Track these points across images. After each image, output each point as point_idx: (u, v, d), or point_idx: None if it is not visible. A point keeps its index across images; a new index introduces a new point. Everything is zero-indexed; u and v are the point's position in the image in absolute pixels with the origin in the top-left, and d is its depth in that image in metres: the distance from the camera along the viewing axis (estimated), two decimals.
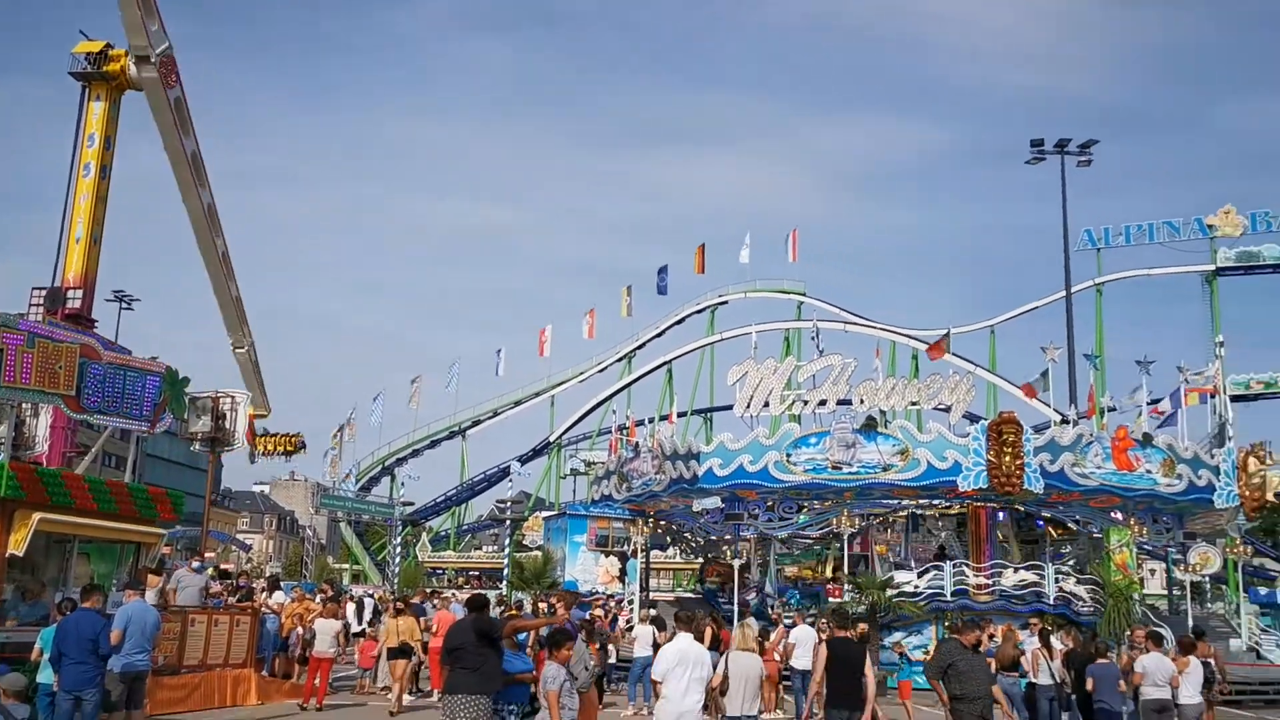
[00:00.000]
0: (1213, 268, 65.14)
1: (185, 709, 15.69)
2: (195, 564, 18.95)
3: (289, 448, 17.52)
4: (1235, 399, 57.01)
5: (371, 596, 33.93)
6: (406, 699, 18.19)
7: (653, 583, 48.51)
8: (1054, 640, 17.28)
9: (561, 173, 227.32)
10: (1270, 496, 29.73)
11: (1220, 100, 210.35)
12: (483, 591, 15.37)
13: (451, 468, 74.08)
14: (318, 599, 20.41)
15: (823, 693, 10.93)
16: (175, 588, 17.96)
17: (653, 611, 22.18)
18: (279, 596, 21.97)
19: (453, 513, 72.65)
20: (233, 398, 21.24)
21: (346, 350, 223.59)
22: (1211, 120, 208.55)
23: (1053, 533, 31.45)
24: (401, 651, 17.37)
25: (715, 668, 10.59)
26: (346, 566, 64.39)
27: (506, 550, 47.15)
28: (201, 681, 16.29)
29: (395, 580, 45.84)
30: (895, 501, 27.48)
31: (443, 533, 71.85)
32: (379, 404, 60.26)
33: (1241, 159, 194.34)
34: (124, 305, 63.12)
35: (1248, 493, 27.27)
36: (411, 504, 59.77)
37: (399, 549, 52.48)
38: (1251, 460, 27.65)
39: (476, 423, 72.01)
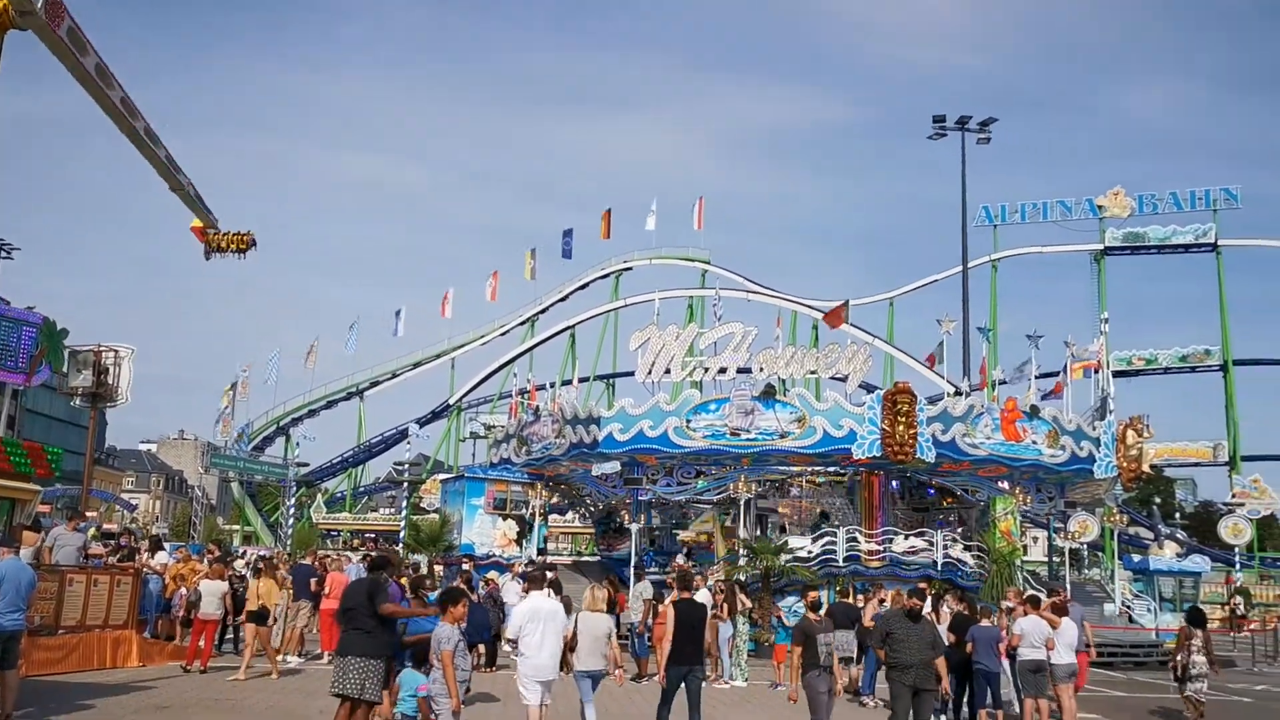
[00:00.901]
0: (1101, 247, 67.29)
1: (63, 670, 15.15)
2: (78, 524, 18.26)
3: (241, 245, 16.70)
4: (1117, 374, 59.17)
5: (265, 558, 33.29)
6: (294, 660, 17.89)
7: (551, 546, 48.55)
8: (944, 605, 17.75)
9: (468, 133, 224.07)
10: (1146, 468, 30.97)
11: (1113, 85, 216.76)
12: (385, 553, 15.04)
13: (349, 429, 72.82)
14: (205, 560, 19.84)
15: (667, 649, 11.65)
16: (52, 546, 17.30)
17: (544, 574, 22.11)
18: (162, 557, 21.33)
19: (349, 474, 71.53)
20: (115, 352, 20.36)
21: (242, 306, 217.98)
22: (1104, 104, 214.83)
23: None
24: (258, 615, 16.22)
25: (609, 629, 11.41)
26: (237, 528, 63.08)
27: (404, 513, 46.62)
28: (80, 642, 15.75)
29: (289, 542, 44.97)
30: (792, 468, 27.86)
31: (339, 494, 70.73)
32: (274, 363, 58.85)
33: (1132, 142, 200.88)
34: (3, 254, 60.47)
35: (1125, 464, 28.33)
36: (306, 465, 58.57)
37: (293, 510, 51.48)
38: (1130, 433, 28.72)
39: (375, 384, 70.91)
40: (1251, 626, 31.44)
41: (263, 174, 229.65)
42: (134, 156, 13.26)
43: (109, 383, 20.53)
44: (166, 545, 27.26)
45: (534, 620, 10.71)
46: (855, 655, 17.44)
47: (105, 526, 43.50)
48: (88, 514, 30.32)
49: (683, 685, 11.54)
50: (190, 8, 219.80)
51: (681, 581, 13.01)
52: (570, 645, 11.43)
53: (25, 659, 14.69)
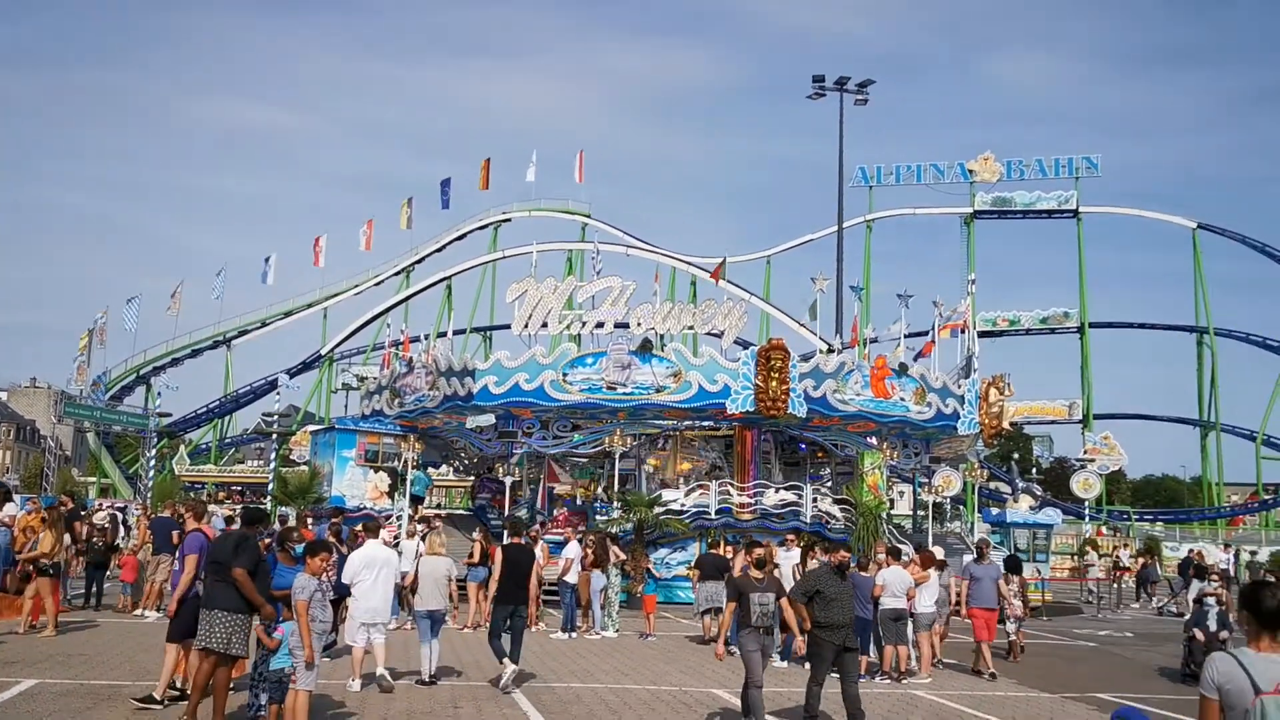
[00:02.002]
0: (971, 210, 69.28)
1: None
2: None
3: None
4: (983, 335, 61.27)
5: (122, 510, 32.07)
6: (153, 615, 17.27)
7: (426, 499, 48.00)
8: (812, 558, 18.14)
9: (343, 79, 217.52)
10: (1006, 425, 32.16)
11: (987, 52, 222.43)
12: (260, 505, 14.65)
13: (215, 379, 70.53)
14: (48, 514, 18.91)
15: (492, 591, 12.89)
16: None
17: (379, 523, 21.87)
18: (11, 509, 20.27)
19: (215, 425, 69.31)
20: None
21: (102, 250, 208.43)
22: (978, 70, 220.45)
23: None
24: (42, 568, 14.99)
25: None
26: (94, 480, 60.59)
27: (272, 465, 45.43)
28: None
29: (149, 494, 43.42)
30: (667, 422, 28.04)
31: (203, 446, 68.55)
32: (135, 308, 56.39)
33: (1003, 109, 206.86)
34: None
35: (987, 421, 29.37)
36: (169, 415, 56.40)
37: (153, 462, 49.68)
38: (992, 391, 29.74)
39: (243, 333, 68.67)
40: (1099, 576, 33.05)
41: (127, 114, 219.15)
42: None
43: None
44: (16, 497, 25.97)
45: (369, 566, 11.82)
46: (724, 605, 17.69)
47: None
48: None
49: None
50: None
51: (512, 529, 13.90)
52: (412, 587, 12.70)
53: None
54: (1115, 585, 32.02)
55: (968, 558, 18.15)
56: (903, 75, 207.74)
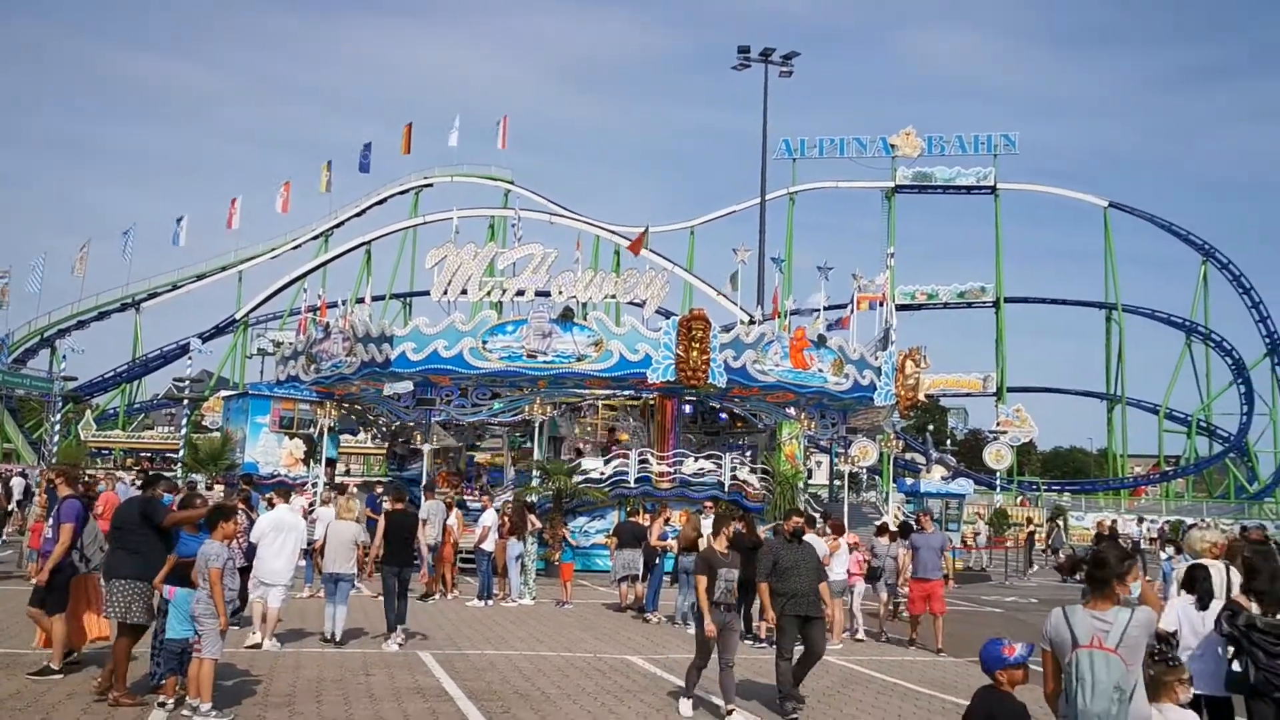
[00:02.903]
0: (892, 185, 70.17)
1: None
2: None
3: None
4: (902, 308, 62.23)
5: (24, 476, 31.12)
6: None
7: (343, 467, 47.41)
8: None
9: (263, 35, 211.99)
10: (922, 397, 32.71)
11: (911, 28, 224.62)
12: (160, 471, 14.35)
13: (124, 342, 68.74)
14: None
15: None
16: None
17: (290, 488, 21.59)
18: None
19: (123, 390, 67.58)
20: None
21: (4, 208, 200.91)
22: (902, 46, 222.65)
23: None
24: None
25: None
26: None
27: (183, 431, 44.48)
28: None
29: (53, 460, 42.22)
30: (588, 391, 27.97)
31: (111, 411, 66.81)
32: (38, 269, 54.60)
33: (925, 85, 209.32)
34: None
35: (903, 392, 29.81)
36: (74, 379, 54.89)
37: (58, 427, 48.28)
38: (908, 363, 30.19)
39: (153, 295, 66.94)
40: (1008, 544, 33.94)
41: (33, 66, 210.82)
42: None
43: None
44: None
45: (276, 530, 12.67)
46: (640, 573, 17.86)
47: None
48: None
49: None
50: None
51: (395, 495, 14.70)
52: (320, 550, 13.37)
53: None
54: (1024, 552, 32.91)
55: (876, 533, 18.49)
56: (828, 48, 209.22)
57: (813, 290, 32.47)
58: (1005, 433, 50.45)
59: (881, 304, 32.49)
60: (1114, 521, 34.48)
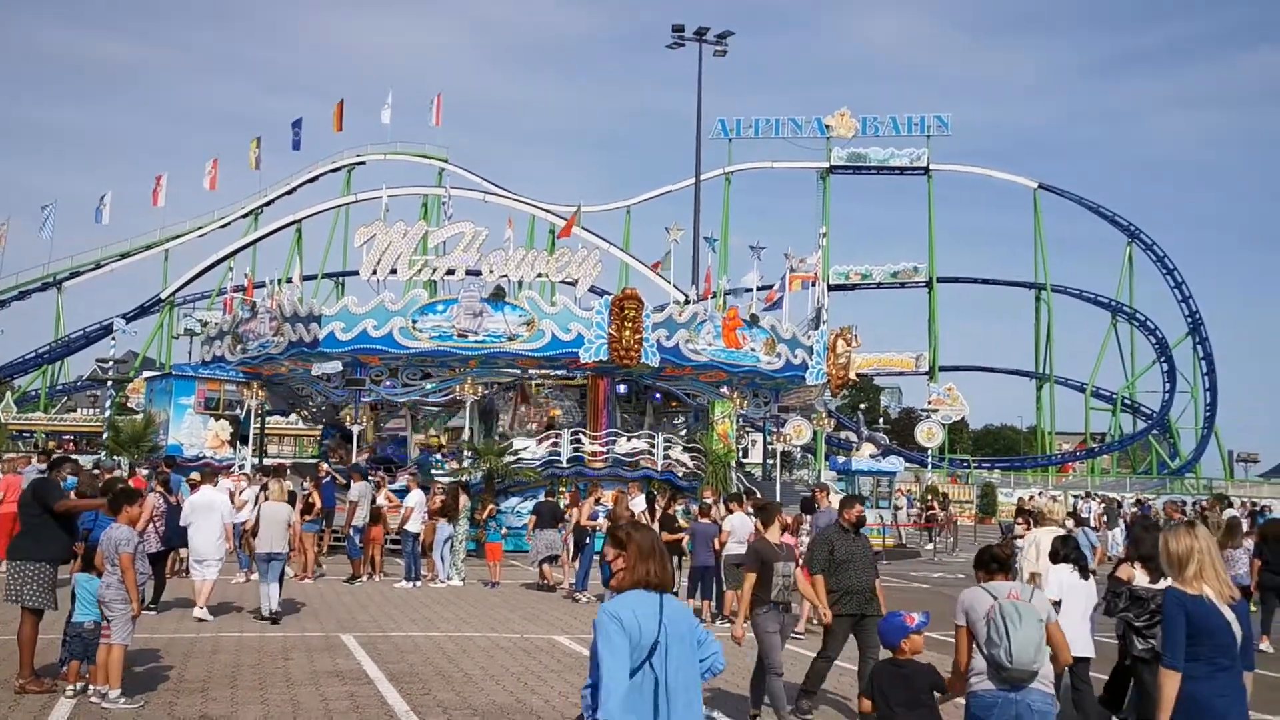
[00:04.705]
0: (827, 165, 70.55)
1: None
2: None
3: None
4: (836, 288, 62.86)
5: None
6: None
7: (273, 449, 46.64)
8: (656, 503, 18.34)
9: (190, 6, 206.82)
10: (853, 376, 33.00)
11: (846, 8, 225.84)
12: (65, 453, 14.06)
13: (45, 322, 67.02)
14: None
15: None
16: None
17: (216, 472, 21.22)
18: None
19: (44, 371, 65.87)
20: None
21: None
22: (836, 26, 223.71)
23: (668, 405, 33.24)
24: None
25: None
26: None
27: (107, 413, 43.39)
28: None
29: None
30: (519, 371, 27.79)
31: (32, 393, 65.08)
32: None
33: (859, 66, 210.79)
34: None
35: (835, 371, 30.07)
36: None
37: None
38: (840, 342, 30.44)
39: (75, 274, 65.26)
40: (939, 519, 34.44)
41: None
42: None
43: None
44: None
45: (205, 510, 13.50)
46: (560, 553, 18.02)
47: None
48: None
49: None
50: None
51: (276, 475, 15.83)
52: (253, 531, 14.02)
53: None
54: (948, 530, 33.43)
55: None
56: (764, 28, 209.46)
57: (746, 270, 32.56)
58: (937, 411, 51.10)
59: (814, 284, 32.71)
60: (1036, 496, 35.05)
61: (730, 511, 15.07)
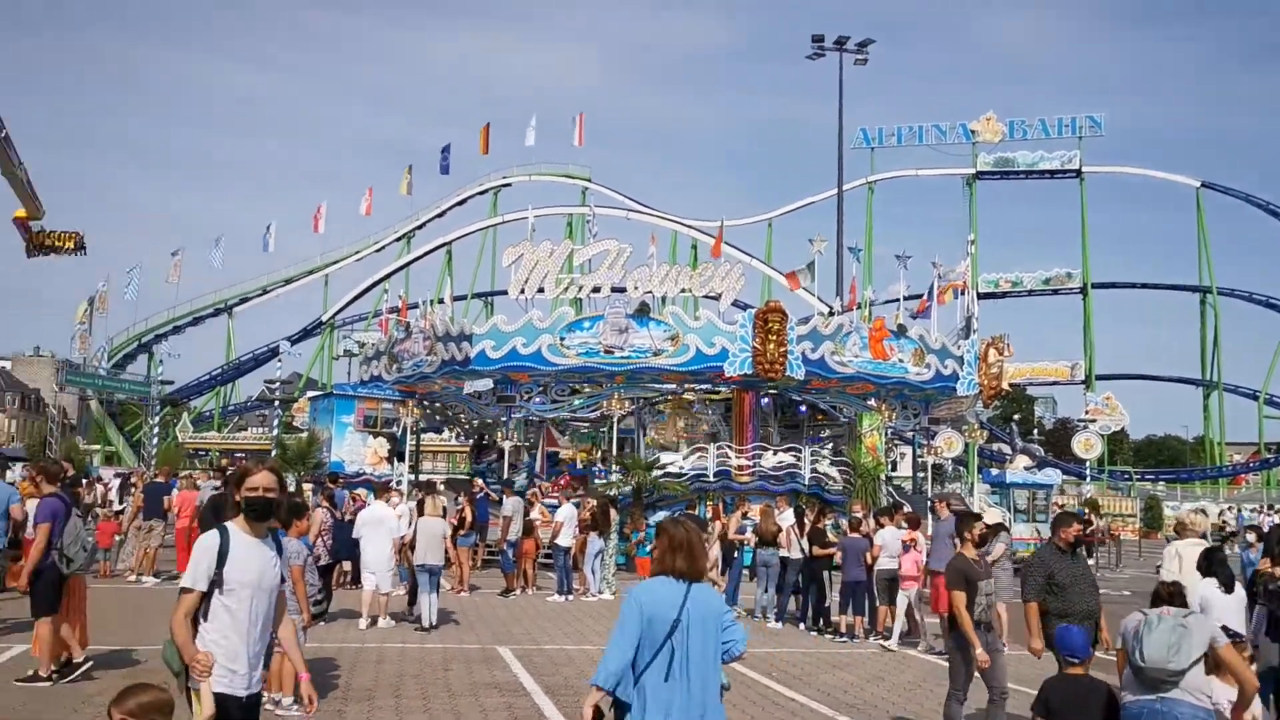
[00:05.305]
0: (973, 171, 68.86)
1: None
2: None
3: (67, 244, 15.68)
4: (985, 296, 61.20)
5: (120, 477, 32.18)
6: (150, 581, 17.35)
7: (427, 465, 48.15)
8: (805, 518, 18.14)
9: (343, 45, 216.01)
10: (1006, 386, 32.04)
11: (989, 11, 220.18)
12: (247, 467, 14.71)
13: (217, 346, 70.60)
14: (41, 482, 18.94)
15: None
16: None
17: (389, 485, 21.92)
18: (11, 477, 20.32)
19: (217, 392, 69.52)
20: None
21: (99, 219, 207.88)
22: (980, 29, 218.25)
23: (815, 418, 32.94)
24: None
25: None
26: (98, 448, 60.79)
27: (275, 432, 45.55)
28: None
29: (152, 462, 43.59)
30: (665, 386, 27.98)
31: (206, 413, 68.74)
32: (135, 277, 56.39)
33: (1005, 68, 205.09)
34: None
35: (986, 382, 29.26)
36: (171, 383, 56.58)
37: (156, 430, 49.85)
38: (991, 351, 29.61)
39: (244, 300, 68.73)
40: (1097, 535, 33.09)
41: (125, 80, 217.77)
42: None
43: None
44: (16, 465, 26.11)
45: (368, 524, 14.11)
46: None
47: None
48: None
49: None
50: None
51: (431, 490, 16.37)
52: (411, 545, 14.35)
53: None
54: (1110, 545, 32.10)
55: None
56: (903, 35, 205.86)
57: (892, 280, 32.04)
58: (1094, 421, 49.21)
59: (962, 292, 31.94)
60: (1199, 511, 33.26)
61: (881, 526, 14.83)
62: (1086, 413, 52.02)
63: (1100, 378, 66.93)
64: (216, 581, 4.77)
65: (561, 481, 27.17)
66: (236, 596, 4.78)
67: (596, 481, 26.12)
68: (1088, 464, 49.04)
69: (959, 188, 70.57)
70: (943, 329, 29.40)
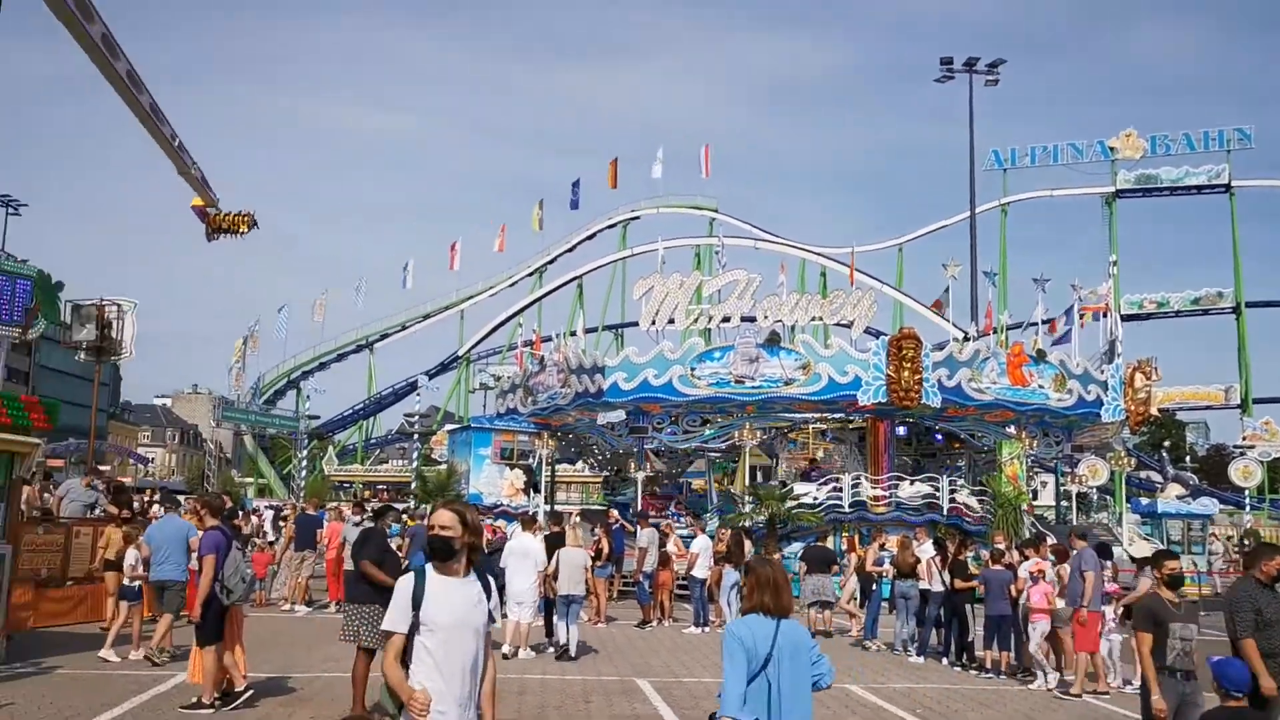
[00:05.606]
0: (1113, 189, 66.48)
1: (70, 621, 15.35)
2: (94, 482, 18.32)
3: (243, 225, 16.86)
4: (1129, 318, 58.91)
5: (273, 509, 33.56)
6: (301, 610, 18.02)
7: (561, 495, 48.77)
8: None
9: (473, 84, 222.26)
10: (1154, 411, 30.80)
11: (1123, 25, 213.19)
12: (390, 503, 15.36)
13: (359, 381, 73.18)
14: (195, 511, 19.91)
15: None
16: (63, 497, 17.44)
17: (536, 517, 22.25)
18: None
19: (360, 426, 71.79)
20: (119, 306, 20.37)
21: (250, 260, 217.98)
22: (1115, 44, 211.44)
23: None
24: (118, 565, 14.10)
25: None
26: (251, 481, 63.46)
27: (414, 464, 46.83)
28: (88, 594, 15.90)
29: (301, 494, 45.31)
30: (797, 415, 27.81)
31: (350, 446, 71.01)
32: (283, 316, 58.95)
33: (1143, 83, 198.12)
34: (11, 210, 60.48)
35: (1133, 407, 28.21)
36: (317, 418, 58.88)
37: (305, 463, 51.80)
38: (1138, 376, 28.55)
39: (384, 336, 70.89)
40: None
41: (266, 127, 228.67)
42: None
43: (112, 337, 20.53)
44: (182, 498, 27.45)
45: (514, 555, 14.50)
46: (831, 598, 17.92)
47: (120, 480, 43.91)
48: (100, 467, 30.58)
49: None
50: None
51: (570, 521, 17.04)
52: (554, 574, 14.65)
53: (33, 610, 14.88)
54: None
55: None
56: (1034, 52, 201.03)
57: (1029, 304, 31.25)
58: (1253, 447, 46.78)
59: (1105, 314, 30.93)
60: None
61: (1025, 558, 14.43)
62: (1243, 438, 49.53)
63: (1258, 401, 63.54)
64: (416, 623, 4.75)
65: (646, 504, 27.07)
66: (436, 638, 4.73)
67: (713, 513, 26.03)
68: (1246, 492, 46.59)
69: (1098, 207, 68.19)
70: (1084, 354, 28.53)
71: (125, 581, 13.47)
